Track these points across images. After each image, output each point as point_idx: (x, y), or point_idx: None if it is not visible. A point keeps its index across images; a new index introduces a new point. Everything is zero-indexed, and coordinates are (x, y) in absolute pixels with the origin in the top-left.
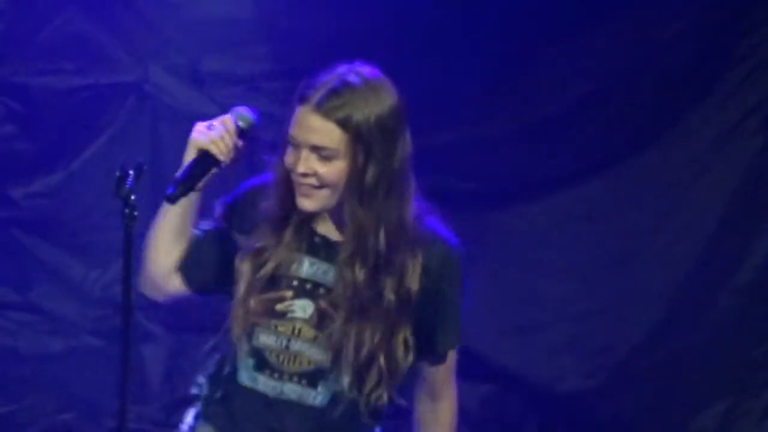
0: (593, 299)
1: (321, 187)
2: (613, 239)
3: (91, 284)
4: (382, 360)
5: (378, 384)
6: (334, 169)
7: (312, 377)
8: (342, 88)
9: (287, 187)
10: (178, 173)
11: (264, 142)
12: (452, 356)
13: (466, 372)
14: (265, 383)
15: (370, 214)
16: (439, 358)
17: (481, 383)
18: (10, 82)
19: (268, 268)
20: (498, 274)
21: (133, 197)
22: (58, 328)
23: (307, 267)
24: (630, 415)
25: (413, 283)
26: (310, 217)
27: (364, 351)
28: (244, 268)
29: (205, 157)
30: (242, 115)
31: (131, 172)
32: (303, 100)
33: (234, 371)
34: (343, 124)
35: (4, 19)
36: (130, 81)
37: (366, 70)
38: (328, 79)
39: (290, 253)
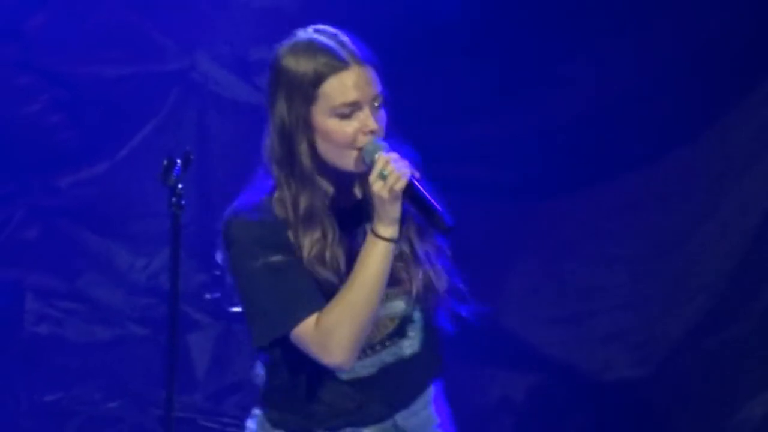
0: (641, 289)
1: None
2: (661, 229)
3: (138, 273)
4: (434, 272)
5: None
6: (383, 113)
7: (400, 330)
8: (355, 40)
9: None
10: (435, 207)
11: None
12: None
13: (513, 362)
14: (361, 366)
15: None
16: None
17: (529, 373)
18: (56, 71)
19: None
20: (545, 263)
21: (180, 186)
22: (104, 316)
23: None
24: (677, 404)
25: None
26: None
27: (424, 271)
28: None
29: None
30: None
31: (178, 160)
32: (338, 66)
33: (318, 371)
34: (377, 67)
35: (50, 8)
36: (176, 70)
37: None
38: (340, 40)
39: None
